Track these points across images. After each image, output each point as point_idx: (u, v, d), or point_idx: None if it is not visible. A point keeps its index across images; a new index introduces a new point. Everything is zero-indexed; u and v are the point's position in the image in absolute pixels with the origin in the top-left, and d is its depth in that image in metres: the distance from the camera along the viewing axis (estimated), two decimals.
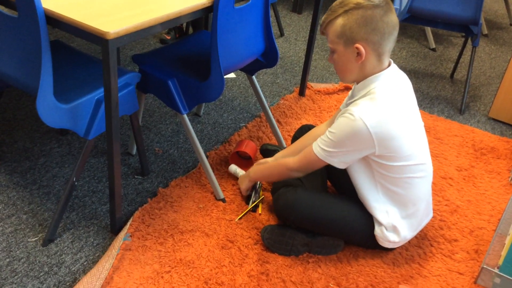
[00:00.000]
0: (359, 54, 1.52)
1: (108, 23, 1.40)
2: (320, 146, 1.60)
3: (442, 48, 3.47)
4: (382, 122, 1.50)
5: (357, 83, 1.61)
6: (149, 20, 1.48)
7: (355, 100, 1.58)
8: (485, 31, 3.75)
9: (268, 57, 2.07)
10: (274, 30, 3.41)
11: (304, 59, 2.65)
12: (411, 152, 1.61)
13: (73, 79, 1.69)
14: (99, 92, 1.62)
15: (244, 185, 1.90)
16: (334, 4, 1.55)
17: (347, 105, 1.63)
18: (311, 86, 2.79)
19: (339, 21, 1.51)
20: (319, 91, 2.77)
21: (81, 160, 1.66)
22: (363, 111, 1.49)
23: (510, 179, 2.24)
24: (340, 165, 1.60)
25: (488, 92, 2.98)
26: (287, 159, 1.72)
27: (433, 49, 3.42)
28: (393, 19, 1.51)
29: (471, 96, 2.91)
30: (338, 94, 2.76)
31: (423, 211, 1.73)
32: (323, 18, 1.57)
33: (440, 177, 2.20)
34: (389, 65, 1.58)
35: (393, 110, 1.52)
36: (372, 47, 1.51)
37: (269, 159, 1.88)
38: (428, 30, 3.47)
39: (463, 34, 2.76)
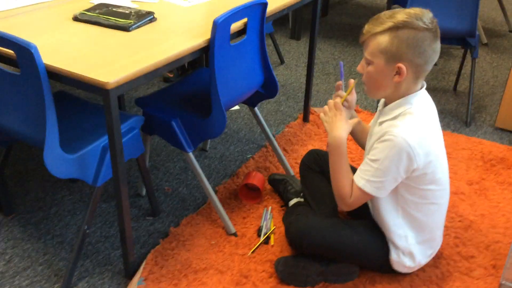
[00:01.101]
0: (398, 73, 1.48)
1: (107, 73, 1.44)
2: (366, 179, 1.54)
3: (443, 62, 3.48)
4: (423, 140, 1.49)
5: (388, 102, 1.58)
6: (148, 66, 1.51)
7: (388, 120, 1.55)
8: (485, 40, 3.76)
9: (268, 88, 2.10)
10: (274, 58, 3.46)
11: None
12: (441, 175, 1.60)
13: (78, 128, 1.72)
14: (104, 139, 1.65)
15: (336, 106, 1.63)
16: (380, 15, 1.50)
17: (380, 123, 1.59)
18: (315, 111, 2.80)
19: (386, 36, 1.46)
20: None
21: (91, 207, 1.68)
22: (403, 129, 1.47)
23: None
24: (384, 195, 1.56)
25: (492, 101, 2.97)
26: (347, 189, 1.59)
27: (435, 63, 3.43)
28: (439, 46, 1.49)
29: (476, 107, 2.90)
30: None
31: (438, 237, 1.72)
32: (366, 27, 1.51)
33: (451, 192, 2.18)
34: (422, 86, 1.56)
35: (431, 130, 1.53)
36: (414, 69, 1.48)
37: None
38: None
39: (462, 46, 2.77)
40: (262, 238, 1.89)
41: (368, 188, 1.55)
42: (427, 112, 1.56)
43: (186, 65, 3.29)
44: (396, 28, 1.44)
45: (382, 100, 1.65)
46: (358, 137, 1.81)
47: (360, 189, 1.56)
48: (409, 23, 1.44)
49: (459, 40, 2.70)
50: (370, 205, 1.71)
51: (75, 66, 1.47)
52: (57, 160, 1.54)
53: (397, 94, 1.54)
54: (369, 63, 1.52)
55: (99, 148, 1.63)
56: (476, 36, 2.61)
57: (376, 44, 1.48)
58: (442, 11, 2.56)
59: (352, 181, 1.60)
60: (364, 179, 1.55)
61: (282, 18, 2.48)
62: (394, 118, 1.53)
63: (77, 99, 1.93)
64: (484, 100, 3.00)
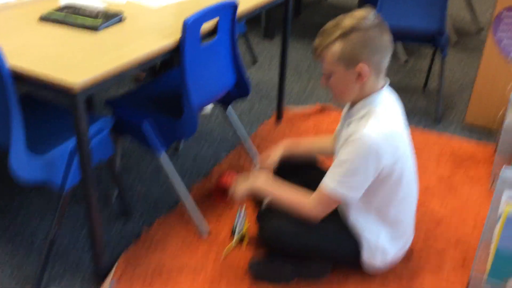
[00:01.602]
0: (360, 75, 1.51)
1: (74, 74, 1.41)
2: (336, 182, 1.54)
3: (413, 60, 3.53)
4: (389, 138, 1.51)
5: (353, 103, 1.60)
6: (117, 67, 1.49)
7: (355, 120, 1.57)
8: (454, 39, 3.83)
9: (240, 88, 2.10)
10: (247, 58, 3.46)
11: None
12: (408, 172, 1.63)
13: (46, 131, 1.69)
14: (72, 142, 1.62)
15: (241, 192, 1.73)
16: (327, 27, 1.53)
17: (347, 124, 1.61)
18: (288, 110, 2.81)
19: (338, 45, 1.49)
20: (296, 114, 2.79)
21: (59, 211, 1.65)
22: (369, 129, 1.49)
23: (491, 184, 2.26)
24: (357, 196, 1.57)
25: (461, 99, 3.03)
26: (304, 201, 1.62)
27: (405, 62, 3.48)
28: (389, 38, 1.52)
29: (446, 105, 2.96)
30: (316, 116, 2.79)
31: (409, 232, 1.75)
32: (317, 42, 1.55)
33: (422, 188, 2.21)
34: (384, 82, 1.59)
35: (396, 127, 1.55)
36: (373, 67, 1.51)
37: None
38: (398, 44, 3.54)
39: (431, 45, 2.82)
40: (235, 238, 1.89)
41: (340, 190, 1.54)
42: (392, 109, 1.58)
43: (158, 65, 3.26)
44: (344, 34, 1.48)
45: (346, 107, 1.68)
46: (309, 153, 1.86)
47: (330, 193, 1.56)
48: (355, 26, 1.48)
49: (429, 39, 2.74)
50: (338, 206, 1.72)
51: (41, 68, 1.44)
52: (23, 164, 1.51)
53: (362, 95, 1.57)
54: (329, 74, 1.56)
55: (67, 151, 1.61)
56: (445, 35, 2.66)
57: (331, 55, 1.51)
58: (412, 10, 2.60)
59: (302, 194, 1.63)
60: (335, 181, 1.55)
61: (255, 17, 2.48)
62: (360, 118, 1.55)
63: (45, 102, 1.90)
64: (453, 98, 3.06)
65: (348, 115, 1.63)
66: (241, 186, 1.74)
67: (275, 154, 1.86)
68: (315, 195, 1.61)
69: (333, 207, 1.63)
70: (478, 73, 2.63)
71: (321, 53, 1.54)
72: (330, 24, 1.53)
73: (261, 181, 1.71)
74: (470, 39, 3.93)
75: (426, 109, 2.91)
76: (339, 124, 1.78)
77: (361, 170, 1.53)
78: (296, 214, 1.65)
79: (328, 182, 1.57)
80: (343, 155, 1.54)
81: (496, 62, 2.55)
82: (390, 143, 1.52)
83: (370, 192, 1.61)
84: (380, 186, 1.59)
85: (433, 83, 3.18)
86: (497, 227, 1.59)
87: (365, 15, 1.50)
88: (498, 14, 2.46)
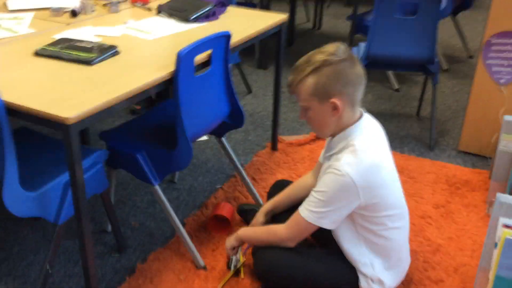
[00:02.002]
0: (335, 108, 1.54)
1: (68, 108, 1.42)
2: (309, 209, 1.59)
3: (405, 88, 3.57)
4: (366, 173, 1.52)
5: (333, 136, 1.62)
6: (110, 100, 1.50)
7: (334, 153, 1.59)
8: (445, 67, 3.88)
9: (234, 119, 2.10)
10: (242, 88, 3.48)
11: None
12: (393, 200, 1.63)
13: (39, 165, 1.68)
14: (66, 176, 1.61)
15: (230, 244, 1.86)
16: (299, 63, 1.57)
17: (327, 158, 1.64)
18: (283, 139, 2.82)
19: (310, 80, 1.53)
20: (291, 143, 2.80)
21: (53, 246, 1.63)
22: (346, 165, 1.50)
23: (487, 210, 2.26)
24: (330, 226, 1.59)
25: (455, 125, 3.05)
26: (276, 228, 1.71)
27: (397, 90, 3.52)
28: (361, 69, 1.56)
29: (439, 132, 2.97)
30: (310, 144, 2.80)
31: (405, 259, 1.74)
32: (290, 78, 1.59)
33: (418, 216, 2.21)
34: (361, 114, 1.61)
35: (374, 159, 1.55)
36: (347, 99, 1.54)
37: (262, 216, 1.87)
38: (390, 72, 3.58)
39: (422, 73, 2.85)
40: (231, 271, 1.86)
41: (310, 218, 1.58)
42: (370, 139, 1.59)
43: (153, 97, 3.27)
44: (316, 69, 1.52)
45: (328, 139, 1.70)
46: (293, 203, 1.86)
47: (303, 219, 1.60)
48: (326, 61, 1.52)
49: (420, 67, 2.77)
50: (333, 236, 1.71)
51: (34, 102, 1.44)
52: (17, 199, 1.50)
53: (340, 127, 1.59)
54: (306, 109, 1.59)
55: (61, 185, 1.59)
56: (435, 63, 2.69)
57: (304, 90, 1.55)
58: (402, 39, 2.64)
59: (277, 225, 1.70)
60: (307, 209, 1.59)
61: (249, 48, 2.51)
62: (339, 151, 1.57)
63: (40, 135, 1.89)
64: (446, 124, 3.08)
65: (328, 148, 1.66)
66: (226, 243, 1.86)
67: (257, 220, 1.89)
68: (289, 220, 1.66)
69: (307, 232, 1.64)
70: (470, 99, 2.66)
71: (295, 89, 1.58)
72: (301, 60, 1.58)
73: (241, 231, 1.82)
74: (461, 66, 3.98)
75: (420, 136, 2.92)
76: (320, 156, 1.80)
77: (333, 202, 1.55)
78: (273, 243, 1.69)
79: (301, 209, 1.61)
80: (319, 185, 1.58)
81: (487, 88, 2.58)
82: (367, 178, 1.52)
83: (356, 222, 1.61)
84: (364, 216, 1.60)
85: (425, 110, 3.21)
86: (494, 254, 1.58)
87: (335, 49, 1.54)
88: (488, 40, 2.50)
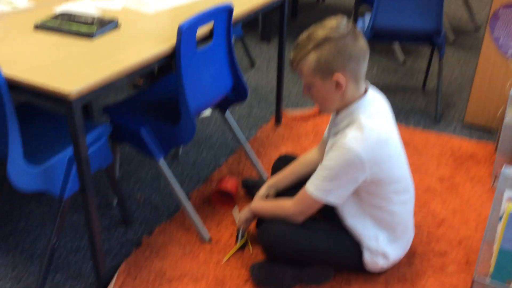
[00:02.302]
0: (338, 84, 1.52)
1: (69, 82, 1.41)
2: (315, 185, 1.58)
3: (411, 61, 3.52)
4: (372, 149, 1.51)
5: (338, 111, 1.61)
6: (112, 74, 1.49)
7: (340, 130, 1.58)
8: (452, 38, 3.82)
9: (237, 93, 2.09)
10: (245, 61, 3.45)
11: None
12: (399, 174, 1.63)
13: (43, 140, 1.68)
14: (71, 150, 1.61)
15: (244, 216, 1.84)
16: (300, 39, 1.55)
17: (332, 134, 1.62)
18: (287, 114, 2.80)
19: (312, 56, 1.51)
20: (295, 117, 2.78)
21: (59, 220, 1.64)
22: (353, 140, 1.49)
23: (492, 183, 2.25)
24: (337, 202, 1.60)
25: (461, 98, 3.02)
26: (284, 203, 1.71)
27: (403, 63, 3.48)
28: (364, 43, 1.53)
29: (445, 105, 2.95)
30: (314, 118, 2.78)
31: (409, 232, 1.74)
32: (292, 55, 1.57)
33: (423, 190, 2.21)
34: (366, 88, 1.59)
35: (380, 134, 1.54)
36: (350, 74, 1.51)
37: (266, 189, 1.87)
38: (396, 44, 3.53)
39: (429, 45, 2.81)
40: (239, 243, 1.87)
41: (317, 193, 1.58)
42: (376, 114, 1.57)
43: (156, 71, 3.25)
44: (317, 45, 1.50)
45: (332, 115, 1.68)
46: (297, 180, 1.85)
47: (310, 195, 1.59)
48: (327, 37, 1.49)
49: (426, 38, 2.73)
50: (337, 211, 1.71)
51: (36, 76, 1.43)
52: (22, 173, 1.50)
53: (345, 103, 1.57)
54: (309, 86, 1.57)
55: (65, 160, 1.59)
56: (442, 34, 2.65)
57: (306, 67, 1.53)
58: (408, 10, 2.59)
59: (286, 200, 1.70)
60: (314, 186, 1.59)
61: (251, 21, 2.48)
62: (344, 127, 1.56)
63: (43, 111, 1.89)
64: (452, 97, 3.05)
65: (334, 124, 1.64)
66: (240, 215, 1.86)
67: (260, 193, 1.87)
68: (296, 196, 1.65)
69: (314, 208, 1.64)
70: (477, 72, 2.62)
71: (297, 66, 1.56)
72: (303, 36, 1.55)
73: (253, 204, 1.82)
74: (468, 37, 3.92)
75: (426, 109, 2.90)
76: (325, 132, 1.79)
77: (340, 178, 1.54)
78: (281, 217, 1.69)
79: (308, 185, 1.60)
80: (325, 161, 1.57)
81: (494, 60, 2.54)
82: (373, 153, 1.51)
83: (362, 197, 1.61)
84: (370, 191, 1.59)
85: (431, 83, 3.17)
86: (499, 227, 1.58)
87: (336, 24, 1.51)
88: (495, 12, 2.45)
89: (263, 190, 1.88)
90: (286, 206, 1.69)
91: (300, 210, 1.65)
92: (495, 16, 2.46)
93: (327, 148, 1.62)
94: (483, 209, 2.09)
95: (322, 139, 1.85)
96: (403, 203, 1.67)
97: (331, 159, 1.54)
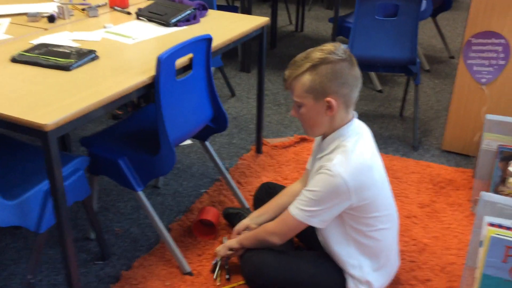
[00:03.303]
0: (329, 107, 1.52)
1: (45, 114, 1.39)
2: (299, 207, 1.57)
3: (388, 89, 3.59)
4: (358, 174, 1.51)
5: (324, 137, 1.61)
6: (89, 105, 1.47)
7: (326, 154, 1.57)
8: (427, 67, 3.91)
9: (217, 122, 2.08)
10: (225, 91, 3.47)
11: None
12: (383, 201, 1.63)
13: (19, 173, 1.65)
14: (47, 183, 1.58)
15: (230, 244, 1.80)
16: (297, 58, 1.55)
17: (318, 159, 1.62)
18: (267, 142, 2.81)
19: (307, 76, 1.51)
20: (275, 146, 2.79)
21: (35, 255, 1.59)
22: (338, 165, 1.49)
23: (471, 208, 2.27)
24: (320, 225, 1.58)
25: (438, 125, 3.07)
26: (266, 225, 1.70)
27: (380, 91, 3.53)
28: (358, 72, 1.55)
29: (423, 132, 2.99)
30: (295, 147, 2.79)
31: (393, 260, 1.73)
32: (287, 73, 1.56)
33: (404, 216, 2.21)
34: (353, 115, 1.60)
35: (366, 160, 1.54)
36: (342, 99, 1.52)
37: (248, 221, 1.84)
38: (373, 73, 3.60)
39: (405, 74, 2.87)
40: (216, 272, 1.83)
41: (300, 216, 1.57)
42: (362, 140, 1.58)
43: (136, 101, 3.24)
44: (314, 66, 1.50)
45: (317, 139, 1.68)
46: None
47: (293, 217, 1.58)
48: (324, 59, 1.50)
49: (402, 68, 2.79)
50: (320, 238, 1.70)
51: (11, 109, 1.41)
52: None
53: (333, 127, 1.58)
54: (299, 105, 1.57)
55: (41, 193, 1.56)
56: (417, 63, 2.71)
57: (300, 86, 1.53)
58: (383, 41, 2.65)
59: (260, 233, 1.69)
60: (297, 208, 1.58)
61: (231, 51, 2.50)
62: (331, 152, 1.56)
63: (18, 142, 1.85)
64: (429, 124, 3.09)
65: (319, 149, 1.64)
66: (229, 242, 1.82)
67: (243, 222, 1.86)
68: (279, 217, 1.65)
69: (295, 231, 1.63)
70: (452, 99, 2.68)
71: (290, 84, 1.56)
72: (300, 56, 1.55)
73: (242, 236, 1.79)
74: (443, 66, 4.02)
75: (403, 137, 2.94)
76: (308, 163, 1.78)
77: (325, 202, 1.53)
78: (263, 243, 1.67)
79: (292, 208, 1.60)
80: (310, 185, 1.56)
81: (469, 87, 2.60)
82: (359, 179, 1.51)
83: (346, 222, 1.60)
84: (354, 216, 1.59)
85: (408, 111, 3.22)
86: (480, 252, 1.58)
87: (334, 48, 1.52)
88: (468, 40, 2.52)
89: (246, 221, 1.86)
90: (268, 226, 1.68)
91: (280, 231, 1.63)
92: (468, 44, 2.53)
93: (312, 172, 1.61)
94: (463, 235, 2.10)
95: (305, 170, 1.85)
96: (387, 230, 1.66)
97: (316, 183, 1.54)
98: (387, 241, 1.67)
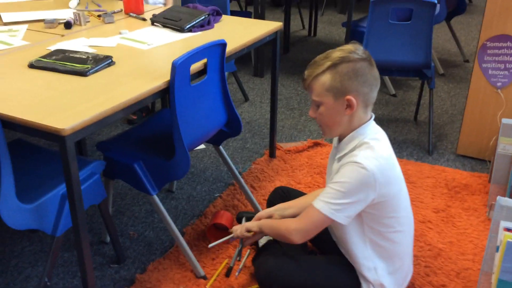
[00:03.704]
0: (349, 106, 1.52)
1: (63, 119, 1.41)
2: (325, 201, 1.52)
3: (402, 93, 3.57)
4: (384, 168, 1.50)
5: (342, 138, 1.61)
6: (106, 110, 1.49)
7: (346, 153, 1.56)
8: (441, 71, 3.89)
9: (231, 127, 2.09)
10: (238, 96, 3.48)
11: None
12: (402, 201, 1.62)
13: (36, 177, 1.67)
14: (63, 187, 1.60)
15: (249, 225, 1.74)
16: (317, 59, 1.56)
17: (337, 160, 1.60)
18: (281, 147, 2.81)
19: (328, 75, 1.51)
20: (289, 150, 2.79)
21: (51, 258, 1.61)
22: (366, 158, 1.48)
23: (487, 214, 2.25)
24: (344, 221, 1.53)
25: (452, 129, 3.05)
26: (288, 221, 1.63)
27: (394, 95, 3.52)
28: (377, 72, 1.55)
29: (437, 136, 2.97)
30: (308, 151, 2.79)
31: (408, 266, 1.72)
32: (306, 73, 1.57)
33: (418, 221, 2.20)
34: (371, 116, 1.60)
35: (390, 156, 1.55)
36: (362, 98, 1.52)
37: (273, 210, 1.80)
38: (386, 77, 3.59)
39: (419, 78, 2.86)
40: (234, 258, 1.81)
41: (326, 210, 1.52)
42: (382, 139, 1.58)
43: (150, 106, 3.27)
44: (334, 65, 1.51)
45: (336, 138, 1.68)
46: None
47: (318, 211, 1.53)
48: (345, 57, 1.50)
49: (416, 72, 2.78)
50: (335, 239, 1.69)
51: (29, 114, 1.43)
52: (14, 211, 1.49)
53: (351, 127, 1.57)
54: (318, 104, 1.57)
55: (58, 197, 1.58)
56: (431, 67, 2.70)
57: (320, 85, 1.53)
58: (397, 45, 2.64)
59: (282, 226, 1.62)
60: (323, 201, 1.53)
61: (244, 56, 2.52)
62: (351, 150, 1.55)
63: (36, 147, 1.88)
64: (444, 128, 3.07)
65: (338, 149, 1.62)
66: (249, 224, 1.75)
67: (267, 210, 1.83)
68: (302, 213, 1.60)
69: (318, 228, 1.57)
70: (467, 103, 2.66)
71: (310, 83, 1.56)
72: (319, 56, 1.56)
73: (263, 221, 1.73)
74: (457, 70, 3.99)
75: (418, 141, 2.92)
76: (329, 159, 1.77)
77: (352, 195, 1.50)
78: (283, 237, 1.61)
79: (316, 202, 1.55)
80: (336, 178, 1.53)
81: (484, 91, 2.58)
82: (384, 174, 1.51)
83: (364, 225, 1.59)
84: (373, 217, 1.58)
85: (423, 115, 3.21)
86: (496, 258, 1.57)
87: (354, 48, 1.53)
88: (483, 44, 2.51)
89: (271, 209, 1.81)
90: (290, 223, 1.61)
91: (303, 227, 1.57)
92: (483, 48, 2.51)
93: (332, 173, 1.59)
94: (479, 240, 2.08)
95: (326, 176, 1.82)
96: (403, 232, 1.65)
97: (343, 175, 1.50)
98: (403, 245, 1.66)
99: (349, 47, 1.54)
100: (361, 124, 1.56)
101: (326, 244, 1.80)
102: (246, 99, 3.46)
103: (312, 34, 4.83)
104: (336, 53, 1.52)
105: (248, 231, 1.75)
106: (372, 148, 1.51)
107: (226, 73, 1.97)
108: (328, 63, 1.51)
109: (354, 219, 1.58)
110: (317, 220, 1.54)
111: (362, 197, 1.51)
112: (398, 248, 1.65)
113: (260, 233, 1.73)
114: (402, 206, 1.62)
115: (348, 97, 1.51)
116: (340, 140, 1.62)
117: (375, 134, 1.57)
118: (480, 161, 2.68)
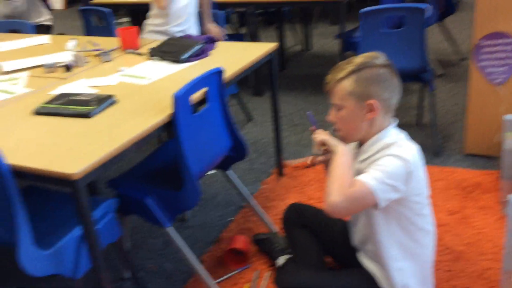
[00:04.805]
0: (371, 110, 1.52)
1: (71, 163, 1.43)
2: (373, 176, 1.47)
3: (402, 98, 3.55)
4: (416, 162, 1.51)
5: (362, 142, 1.60)
6: (112, 150, 1.51)
7: (372, 155, 1.55)
8: (440, 72, 3.90)
9: (237, 151, 2.11)
10: (241, 117, 3.50)
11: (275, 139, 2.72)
12: (426, 200, 1.62)
13: (50, 221, 1.68)
14: (79, 229, 1.61)
15: (329, 138, 1.61)
16: (339, 64, 1.58)
17: (361, 162, 1.59)
18: (288, 164, 2.82)
19: (350, 79, 1.53)
20: (296, 167, 2.80)
21: None
22: (402, 152, 1.48)
23: (502, 211, 2.24)
24: (384, 203, 1.48)
25: (456, 129, 3.05)
26: (344, 184, 1.49)
27: None
28: (398, 80, 1.57)
29: (443, 137, 2.97)
30: (316, 166, 2.78)
31: (431, 270, 1.71)
32: (329, 76, 1.58)
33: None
34: (390, 123, 1.60)
35: (418, 156, 1.55)
36: (383, 104, 1.53)
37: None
38: None
39: (418, 82, 2.87)
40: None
41: (374, 185, 1.44)
42: (407, 140, 1.58)
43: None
44: (357, 70, 1.53)
45: (353, 145, 1.67)
46: None
47: (363, 184, 1.45)
48: (368, 63, 1.53)
49: (414, 77, 2.79)
50: (361, 237, 1.68)
51: (39, 162, 1.45)
52: (33, 259, 1.49)
53: (371, 132, 1.57)
54: (339, 108, 1.57)
55: (74, 239, 1.59)
56: (428, 71, 2.71)
57: (342, 89, 1.55)
58: (392, 51, 2.63)
59: (351, 181, 1.50)
60: (375, 178, 1.46)
61: (244, 77, 2.54)
62: (377, 152, 1.54)
63: (47, 192, 1.90)
64: (448, 129, 3.08)
65: (360, 153, 1.61)
66: (322, 132, 1.66)
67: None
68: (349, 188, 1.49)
69: (359, 204, 1.50)
70: (468, 101, 2.66)
71: (332, 87, 1.57)
72: (342, 62, 1.58)
73: (341, 150, 1.57)
74: (455, 68, 4.01)
75: (423, 144, 2.91)
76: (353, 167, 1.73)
77: (393, 179, 1.47)
78: (329, 186, 1.51)
79: (363, 176, 1.48)
80: (378, 162, 1.49)
81: (483, 88, 2.59)
82: (416, 167, 1.51)
83: (392, 220, 1.57)
84: (402, 214, 1.56)
85: (426, 118, 3.21)
86: None
87: (376, 55, 1.56)
88: (477, 43, 2.52)
89: (352, 156, 1.64)
90: (346, 184, 1.48)
91: (345, 201, 1.46)
92: (478, 47, 2.53)
93: (358, 175, 1.52)
94: (497, 238, 2.07)
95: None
96: (430, 233, 1.64)
97: (383, 163, 1.48)
98: (428, 249, 1.64)
99: (372, 53, 1.57)
100: (381, 130, 1.57)
101: (345, 258, 1.80)
102: (249, 119, 3.49)
103: (307, 48, 4.87)
104: (359, 59, 1.55)
105: (323, 144, 1.63)
106: (404, 147, 1.52)
107: (227, 97, 1.99)
108: (351, 68, 1.54)
109: (383, 217, 1.57)
110: (359, 191, 1.46)
111: (401, 185, 1.48)
112: (424, 252, 1.64)
113: (326, 160, 1.63)
114: (428, 206, 1.62)
115: (370, 101, 1.52)
116: (360, 145, 1.62)
117: (400, 135, 1.59)
118: (490, 158, 2.68)
